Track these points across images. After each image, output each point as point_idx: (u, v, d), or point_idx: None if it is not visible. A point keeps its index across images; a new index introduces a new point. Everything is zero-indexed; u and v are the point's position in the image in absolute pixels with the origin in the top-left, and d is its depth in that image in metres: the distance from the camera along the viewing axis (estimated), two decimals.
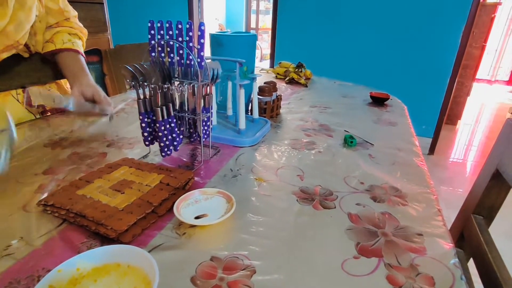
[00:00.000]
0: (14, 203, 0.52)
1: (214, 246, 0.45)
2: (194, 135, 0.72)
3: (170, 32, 0.63)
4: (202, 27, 0.60)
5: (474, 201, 0.69)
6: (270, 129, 0.90)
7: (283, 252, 0.45)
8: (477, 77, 4.03)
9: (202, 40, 0.61)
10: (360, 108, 1.16)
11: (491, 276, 0.55)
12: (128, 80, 0.61)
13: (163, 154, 0.65)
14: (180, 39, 0.63)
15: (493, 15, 2.98)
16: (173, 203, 0.51)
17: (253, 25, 6.41)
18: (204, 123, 0.67)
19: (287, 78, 1.55)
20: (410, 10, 2.37)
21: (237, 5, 6.43)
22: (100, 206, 0.48)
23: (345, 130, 0.91)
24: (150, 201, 0.50)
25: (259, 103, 0.95)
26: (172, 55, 0.65)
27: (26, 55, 0.91)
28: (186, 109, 0.68)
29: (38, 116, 0.94)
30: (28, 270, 0.39)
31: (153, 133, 0.66)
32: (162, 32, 0.63)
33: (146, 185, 0.54)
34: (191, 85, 0.65)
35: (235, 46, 0.87)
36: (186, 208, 0.51)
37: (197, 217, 0.50)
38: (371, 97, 1.24)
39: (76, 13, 1.01)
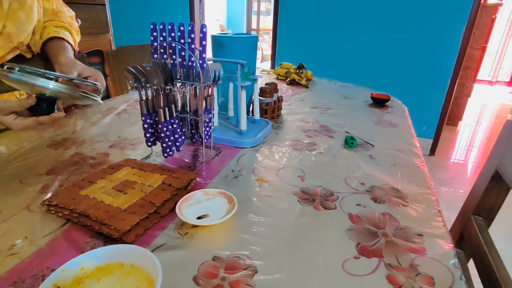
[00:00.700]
0: (18, 203, 0.53)
1: (216, 246, 0.45)
2: (196, 136, 0.72)
3: (172, 34, 0.64)
4: (204, 29, 0.60)
5: (474, 202, 0.69)
6: (271, 130, 0.90)
7: (284, 252, 0.45)
8: (478, 78, 4.03)
9: (204, 42, 0.62)
10: (361, 109, 1.17)
11: (490, 276, 0.55)
12: (130, 82, 0.61)
13: (165, 155, 0.65)
14: (182, 41, 0.64)
15: (494, 16, 2.98)
16: (175, 203, 0.51)
17: (254, 26, 6.42)
18: (205, 124, 0.68)
19: (288, 79, 1.55)
20: (411, 11, 2.37)
21: (238, 6, 6.44)
22: (103, 206, 0.48)
23: (346, 131, 0.91)
24: (152, 202, 0.50)
25: (260, 104, 0.95)
26: (174, 56, 0.65)
27: (28, 55, 0.92)
28: (188, 110, 0.69)
29: None
30: (33, 270, 0.40)
31: (156, 134, 0.66)
32: (164, 34, 0.64)
33: (149, 185, 0.55)
34: (193, 86, 0.65)
35: (236, 48, 0.88)
36: (188, 208, 0.52)
37: (199, 218, 0.50)
38: (372, 98, 1.24)
39: (72, 13, 1.01)
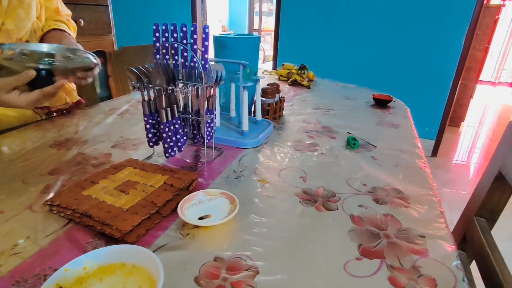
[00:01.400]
0: (21, 203, 0.53)
1: (218, 247, 0.45)
2: (198, 136, 0.72)
3: (175, 35, 0.64)
4: (207, 30, 0.61)
5: (476, 204, 0.69)
6: (273, 131, 0.90)
7: (286, 253, 0.45)
8: (480, 79, 4.02)
9: (206, 43, 0.62)
10: (363, 110, 1.16)
11: (493, 278, 0.55)
12: (133, 82, 0.61)
13: (167, 155, 0.65)
14: (184, 41, 0.64)
15: (496, 17, 2.97)
16: (177, 204, 0.51)
17: (256, 26, 6.42)
18: (207, 125, 0.68)
19: (290, 79, 1.55)
20: (413, 12, 2.37)
21: (240, 7, 6.46)
22: (105, 207, 0.48)
23: (348, 132, 0.91)
24: (154, 202, 0.50)
25: (262, 104, 0.95)
26: (176, 57, 0.66)
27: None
28: (190, 111, 0.69)
29: (44, 117, 0.95)
30: (35, 269, 0.40)
31: (157, 134, 0.66)
32: (166, 34, 0.64)
33: (150, 186, 0.55)
34: (195, 87, 0.65)
35: (238, 48, 0.88)
36: (190, 209, 0.52)
37: (200, 218, 0.50)
38: (374, 99, 1.24)
39: (70, 12, 1.02)
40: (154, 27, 0.63)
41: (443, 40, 2.37)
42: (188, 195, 0.53)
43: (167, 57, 0.66)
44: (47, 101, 0.56)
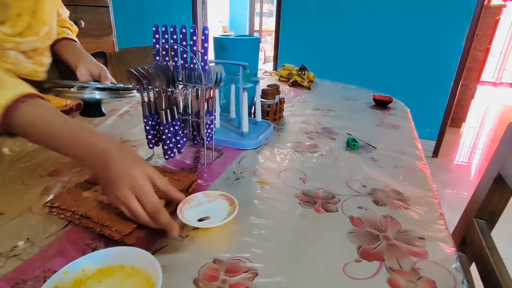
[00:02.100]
0: (20, 205, 0.53)
1: (217, 249, 0.45)
2: (198, 137, 0.73)
3: (175, 36, 0.64)
4: (206, 32, 0.61)
5: (476, 205, 0.69)
6: (273, 132, 0.90)
7: (285, 255, 0.45)
8: (481, 79, 4.01)
9: (206, 44, 0.62)
10: (363, 111, 1.16)
11: (492, 280, 0.55)
12: (133, 84, 0.61)
13: (167, 156, 0.65)
14: (184, 43, 0.64)
15: (497, 18, 2.97)
16: (177, 205, 0.51)
17: (256, 27, 6.43)
18: (207, 126, 0.68)
19: (290, 80, 1.55)
20: (414, 13, 2.37)
21: (241, 8, 6.46)
22: (105, 208, 0.48)
23: (348, 133, 0.91)
24: None
25: (262, 106, 0.95)
26: (176, 59, 0.66)
27: None
28: (190, 112, 0.69)
29: None
30: (35, 271, 0.40)
31: (157, 135, 0.66)
32: (166, 36, 0.64)
33: None
34: (194, 88, 0.65)
35: (238, 50, 0.88)
36: (189, 210, 0.52)
37: (200, 220, 0.50)
38: (374, 100, 1.24)
39: (68, 13, 1.03)
40: (154, 28, 0.63)
41: (444, 40, 2.36)
42: (188, 197, 0.53)
43: (167, 58, 0.66)
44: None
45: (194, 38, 0.63)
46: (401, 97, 1.35)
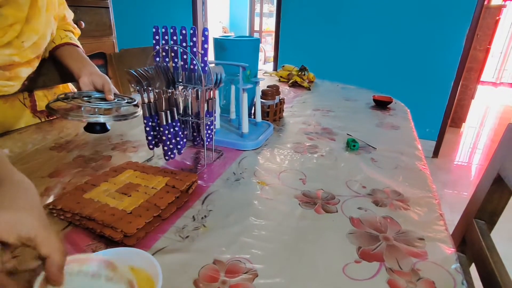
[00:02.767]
0: None
1: (217, 250, 0.46)
2: (198, 138, 0.73)
3: (175, 37, 0.64)
4: (206, 33, 0.61)
5: (476, 206, 0.69)
6: (273, 133, 0.91)
7: (285, 256, 0.45)
8: (482, 79, 4.01)
9: (205, 45, 0.62)
10: (363, 112, 1.16)
11: (492, 280, 0.55)
12: (133, 85, 0.62)
13: (167, 157, 0.65)
14: (184, 44, 0.64)
15: (497, 18, 2.97)
16: (177, 207, 0.51)
17: (256, 27, 6.43)
18: (207, 127, 0.68)
19: (290, 81, 1.55)
20: (414, 13, 2.37)
21: (241, 8, 6.46)
22: (109, 210, 0.49)
23: (348, 134, 0.91)
24: (157, 204, 0.50)
25: (262, 106, 0.95)
26: (176, 60, 0.66)
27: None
28: (190, 113, 0.69)
29: (44, 120, 0.96)
30: None
31: (157, 136, 0.67)
32: (166, 37, 0.64)
33: (152, 187, 0.55)
34: (194, 89, 0.66)
35: (238, 50, 0.88)
36: (73, 276, 0.34)
37: None
38: (374, 100, 1.24)
39: (73, 15, 1.03)
40: (154, 30, 0.63)
41: (444, 41, 2.36)
42: (84, 256, 0.36)
43: (167, 59, 0.66)
44: None
45: (194, 39, 0.63)
46: (401, 98, 1.35)
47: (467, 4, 2.25)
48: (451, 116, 2.66)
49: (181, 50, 0.65)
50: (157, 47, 0.64)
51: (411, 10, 2.36)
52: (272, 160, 0.74)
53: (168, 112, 0.62)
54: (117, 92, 0.85)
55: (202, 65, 0.63)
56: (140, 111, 0.74)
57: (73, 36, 0.98)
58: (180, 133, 0.66)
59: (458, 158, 2.72)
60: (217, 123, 0.84)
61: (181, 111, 0.68)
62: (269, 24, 6.51)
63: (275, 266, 0.43)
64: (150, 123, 0.64)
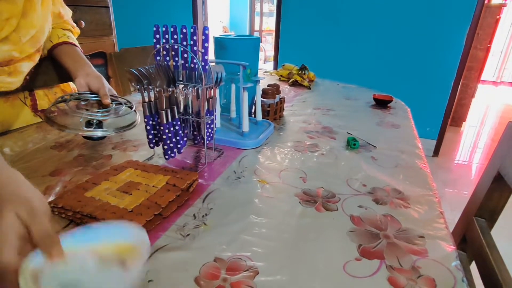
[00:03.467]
0: None
1: (218, 247, 0.46)
2: (198, 137, 0.73)
3: (175, 36, 0.64)
4: (206, 31, 0.61)
5: (476, 204, 0.69)
6: (273, 132, 0.91)
7: (285, 254, 0.45)
8: (482, 78, 4.01)
9: (206, 44, 0.62)
10: (363, 111, 1.17)
11: (492, 278, 0.55)
12: (133, 83, 0.62)
13: (167, 157, 0.66)
14: (184, 43, 0.64)
15: (498, 17, 2.96)
16: (178, 205, 0.52)
17: (257, 27, 6.43)
18: (208, 126, 0.68)
19: (291, 80, 1.55)
20: (414, 12, 2.37)
21: (241, 8, 6.46)
22: (110, 208, 0.49)
23: (348, 133, 0.91)
24: (158, 203, 0.50)
25: (263, 105, 0.95)
26: (176, 58, 0.66)
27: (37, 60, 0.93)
28: (190, 112, 0.69)
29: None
30: None
31: (158, 135, 0.67)
32: (167, 36, 0.64)
33: (153, 186, 0.55)
34: (195, 88, 0.66)
35: (238, 49, 0.88)
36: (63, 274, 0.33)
37: None
38: (374, 99, 1.24)
39: (71, 12, 1.02)
40: (154, 28, 0.64)
41: (444, 40, 2.36)
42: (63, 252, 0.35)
43: (167, 58, 0.66)
44: None
45: (195, 38, 0.63)
46: (402, 97, 1.35)
47: (468, 3, 2.24)
48: (452, 115, 2.66)
49: (182, 49, 0.65)
50: (158, 46, 0.64)
51: (412, 9, 2.36)
52: (272, 158, 0.74)
53: (169, 110, 0.63)
54: (114, 93, 0.84)
55: (203, 64, 0.63)
56: (138, 119, 0.74)
57: (72, 35, 0.98)
58: (180, 132, 0.66)
59: (459, 157, 2.72)
60: (218, 122, 0.84)
61: (181, 110, 0.69)
62: (269, 23, 6.51)
63: (276, 263, 0.43)
64: (150, 122, 0.64)
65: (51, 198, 0.55)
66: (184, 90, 0.66)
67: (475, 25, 2.27)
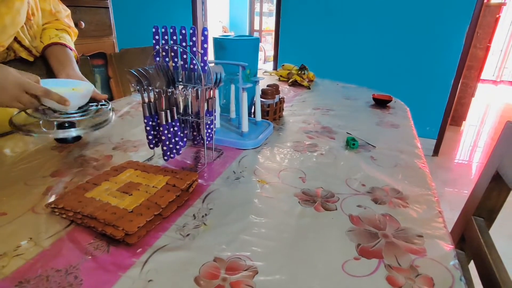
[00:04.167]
0: (23, 205, 0.54)
1: (217, 247, 0.46)
2: (198, 138, 0.73)
3: (174, 37, 0.65)
4: (206, 32, 0.61)
5: (474, 203, 0.69)
6: (272, 132, 0.91)
7: (285, 253, 0.46)
8: (482, 77, 4.01)
9: (205, 45, 0.62)
10: (363, 110, 1.17)
11: (490, 277, 0.55)
12: (133, 84, 0.62)
13: (166, 157, 0.66)
14: (184, 44, 0.64)
15: (497, 16, 2.96)
16: (177, 206, 0.52)
17: (256, 27, 6.43)
18: (207, 126, 0.69)
19: (290, 80, 1.56)
20: (413, 12, 2.37)
21: (241, 8, 6.46)
22: (110, 208, 0.49)
23: (347, 133, 0.92)
24: (158, 203, 0.51)
25: (262, 105, 0.96)
26: (176, 59, 0.66)
27: (30, 59, 0.93)
28: (190, 113, 0.69)
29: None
30: (37, 270, 0.41)
31: (158, 136, 0.67)
32: (166, 37, 0.65)
33: (153, 186, 0.56)
34: (194, 89, 0.66)
35: (238, 50, 0.89)
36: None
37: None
38: (374, 99, 1.24)
39: (68, 11, 1.02)
40: (154, 29, 0.64)
41: (444, 39, 2.36)
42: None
43: (167, 59, 0.66)
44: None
45: (194, 39, 0.63)
46: (401, 96, 1.35)
47: (467, 2, 2.25)
48: (451, 114, 2.66)
49: (181, 50, 0.65)
50: (157, 46, 0.65)
51: (411, 8, 2.37)
52: (272, 158, 0.75)
53: (168, 111, 0.63)
54: (98, 95, 0.81)
55: (202, 64, 0.63)
56: (113, 117, 0.76)
57: (65, 35, 0.97)
58: (179, 133, 0.67)
59: (459, 156, 2.72)
60: (217, 122, 0.84)
61: (181, 111, 0.69)
62: (269, 23, 6.51)
63: (275, 263, 0.44)
64: (150, 123, 0.65)
65: (51, 199, 0.55)
66: (184, 90, 0.66)
67: (475, 24, 2.27)
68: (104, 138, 0.82)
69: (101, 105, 0.78)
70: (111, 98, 1.36)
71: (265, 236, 0.49)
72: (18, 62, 0.90)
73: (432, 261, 0.45)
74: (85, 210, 0.48)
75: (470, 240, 0.68)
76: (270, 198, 0.59)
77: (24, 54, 0.90)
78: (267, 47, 6.38)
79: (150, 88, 0.62)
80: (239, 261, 0.43)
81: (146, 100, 0.62)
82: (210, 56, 0.70)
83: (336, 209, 0.56)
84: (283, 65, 1.69)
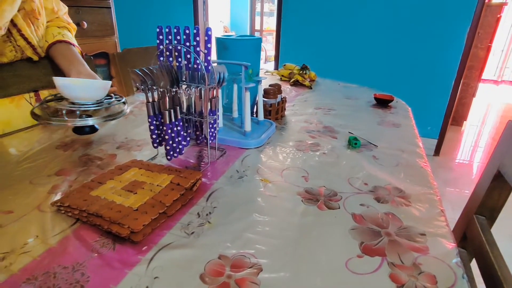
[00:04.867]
0: (29, 203, 0.54)
1: (222, 245, 0.46)
2: (201, 137, 0.74)
3: (178, 37, 0.65)
4: (209, 32, 0.62)
5: (476, 202, 0.70)
6: (275, 131, 0.91)
7: (288, 251, 0.46)
8: (483, 77, 4.01)
9: (209, 45, 0.63)
10: (364, 110, 1.17)
11: (492, 275, 0.56)
12: (137, 84, 0.62)
13: (169, 157, 0.66)
14: (187, 43, 0.65)
15: (498, 16, 2.96)
16: (182, 204, 0.52)
17: (257, 27, 6.43)
18: (210, 126, 0.69)
19: (292, 80, 1.56)
20: (414, 12, 2.37)
21: (242, 8, 6.47)
22: (115, 207, 0.50)
23: (349, 132, 0.92)
24: (162, 201, 0.51)
25: (264, 105, 0.96)
26: (179, 59, 0.67)
27: (35, 57, 0.94)
28: (193, 112, 0.70)
29: None
30: (44, 267, 0.41)
31: (162, 135, 0.67)
32: (170, 37, 0.65)
33: (158, 185, 0.56)
34: (198, 88, 0.66)
35: (240, 50, 0.89)
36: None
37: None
38: (375, 98, 1.25)
39: (66, 8, 1.02)
40: (158, 29, 0.64)
41: (445, 39, 2.37)
42: None
43: (171, 59, 0.67)
44: None
45: (197, 38, 0.64)
46: (403, 96, 1.35)
47: (468, 2, 2.25)
48: (452, 114, 2.66)
49: (185, 50, 0.66)
50: (161, 46, 0.65)
51: (412, 8, 2.37)
52: (274, 158, 0.75)
53: (172, 111, 0.63)
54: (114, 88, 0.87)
55: (205, 64, 0.64)
56: (127, 109, 0.79)
57: (67, 32, 0.98)
58: (182, 132, 0.67)
59: (460, 156, 2.72)
60: (220, 122, 0.85)
61: (184, 110, 0.69)
62: (270, 23, 6.52)
63: (279, 261, 0.44)
64: (154, 122, 0.65)
65: (57, 198, 0.56)
66: (187, 90, 0.66)
67: (476, 24, 2.27)
68: (108, 137, 0.83)
69: (115, 98, 0.82)
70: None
71: (269, 234, 0.49)
72: (24, 62, 0.91)
73: (434, 259, 0.45)
74: (90, 209, 0.49)
75: (472, 238, 0.69)
76: (274, 197, 0.59)
77: (29, 52, 0.91)
78: (268, 47, 6.39)
79: (154, 87, 0.62)
80: (244, 259, 0.44)
81: (150, 99, 0.63)
82: (213, 56, 0.70)
83: (339, 208, 0.56)
84: (284, 65, 1.69)
